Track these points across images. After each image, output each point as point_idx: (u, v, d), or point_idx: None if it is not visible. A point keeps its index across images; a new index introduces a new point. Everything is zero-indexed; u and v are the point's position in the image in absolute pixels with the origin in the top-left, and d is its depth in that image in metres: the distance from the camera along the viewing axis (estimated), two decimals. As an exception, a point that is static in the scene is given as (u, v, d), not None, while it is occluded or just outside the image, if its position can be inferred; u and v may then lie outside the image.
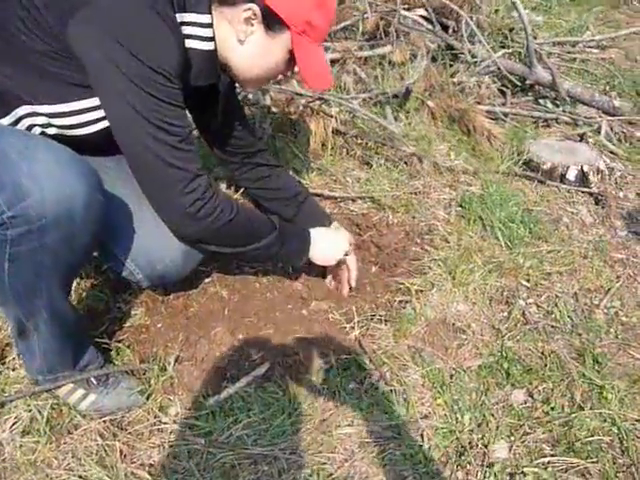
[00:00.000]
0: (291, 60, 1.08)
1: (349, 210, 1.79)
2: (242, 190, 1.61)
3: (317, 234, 1.33)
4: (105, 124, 1.01)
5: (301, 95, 2.07)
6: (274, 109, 2.10)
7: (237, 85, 1.34)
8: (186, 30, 0.99)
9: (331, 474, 1.08)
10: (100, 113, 1.00)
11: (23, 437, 1.12)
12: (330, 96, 2.08)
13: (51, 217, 0.85)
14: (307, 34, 1.04)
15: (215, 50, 1.05)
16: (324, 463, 1.09)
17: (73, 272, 1.07)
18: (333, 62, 2.37)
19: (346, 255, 1.40)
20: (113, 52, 0.88)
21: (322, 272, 1.51)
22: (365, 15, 2.44)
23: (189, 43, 1.01)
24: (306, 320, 1.39)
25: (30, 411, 1.15)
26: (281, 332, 1.35)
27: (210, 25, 1.01)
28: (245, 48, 1.05)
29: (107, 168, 1.18)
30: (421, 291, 1.50)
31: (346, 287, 1.45)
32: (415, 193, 1.91)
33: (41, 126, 1.01)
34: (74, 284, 1.40)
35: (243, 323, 1.36)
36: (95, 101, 0.98)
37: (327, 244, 1.36)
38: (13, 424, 1.14)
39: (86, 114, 1.00)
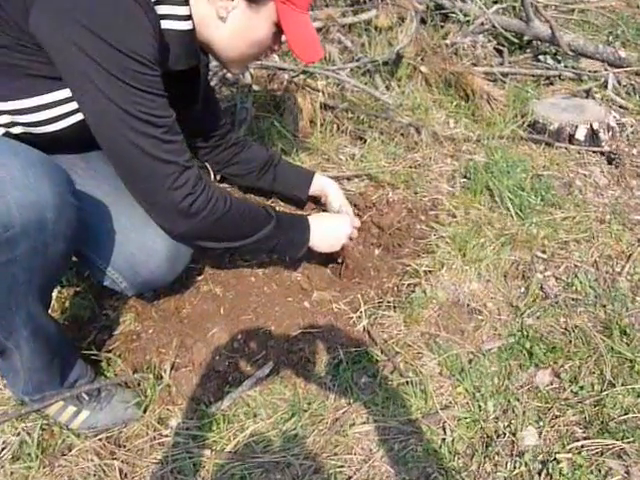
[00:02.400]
0: (277, 33, 1.07)
1: (345, 190, 1.76)
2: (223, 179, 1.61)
3: (316, 220, 1.33)
4: (77, 118, 0.99)
5: (284, 70, 2.04)
6: (256, 87, 2.06)
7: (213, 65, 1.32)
8: (161, 10, 0.95)
9: (350, 477, 1.06)
10: (71, 106, 0.97)
11: (13, 463, 1.09)
12: (315, 69, 2.05)
13: (19, 227, 0.82)
14: (292, 1, 1.02)
15: (194, 29, 1.02)
16: (341, 466, 1.08)
17: (50, 283, 1.03)
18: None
19: (350, 239, 1.40)
20: (76, 34, 0.84)
21: (322, 260, 1.49)
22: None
23: (165, 24, 0.97)
24: (309, 313, 1.38)
25: (19, 434, 1.13)
26: (283, 328, 1.34)
27: (186, 2, 0.98)
28: (227, 25, 1.02)
29: (79, 168, 1.14)
30: (430, 272, 1.49)
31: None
32: (415, 166, 1.89)
33: (4, 126, 0.98)
34: (54, 293, 1.37)
35: (241, 321, 1.35)
36: (65, 93, 0.95)
37: (328, 229, 1.35)
38: (1, 450, 1.12)
39: (55, 108, 0.97)
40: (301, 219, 1.32)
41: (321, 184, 1.56)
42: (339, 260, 1.48)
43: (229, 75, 2.04)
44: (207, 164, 1.52)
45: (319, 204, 1.63)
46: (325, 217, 1.41)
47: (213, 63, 1.66)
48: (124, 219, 1.13)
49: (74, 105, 0.96)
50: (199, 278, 1.47)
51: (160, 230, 1.08)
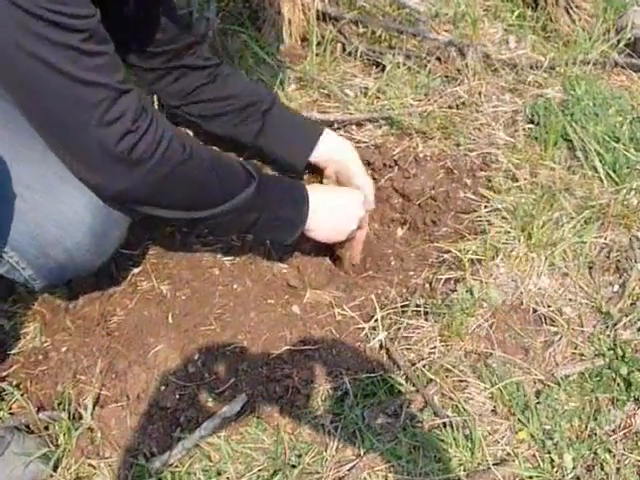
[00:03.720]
0: None
1: (353, 141, 1.75)
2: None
3: (317, 194, 1.35)
4: None
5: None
6: (222, -14, 2.06)
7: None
8: None
9: None
10: None
11: None
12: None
13: None
14: None
15: None
16: None
17: None
18: None
19: (359, 228, 1.42)
20: None
21: (318, 247, 1.50)
22: None
23: None
24: (299, 321, 1.39)
25: None
26: (261, 344, 1.35)
27: None
28: None
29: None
30: (479, 261, 1.49)
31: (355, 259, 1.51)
32: (457, 106, 1.88)
33: None
34: None
35: (199, 334, 1.35)
36: None
37: (333, 209, 1.37)
38: None
39: None
40: (297, 187, 1.34)
41: (332, 149, 1.56)
42: (340, 253, 1.49)
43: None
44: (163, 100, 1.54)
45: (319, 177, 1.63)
46: (330, 191, 1.44)
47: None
48: (26, 174, 1.11)
49: None
50: (137, 270, 1.47)
51: (83, 189, 1.08)
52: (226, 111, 1.52)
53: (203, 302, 1.41)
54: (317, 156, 1.56)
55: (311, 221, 1.33)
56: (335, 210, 1.38)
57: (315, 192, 1.34)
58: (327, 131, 1.57)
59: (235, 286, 1.44)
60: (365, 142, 1.76)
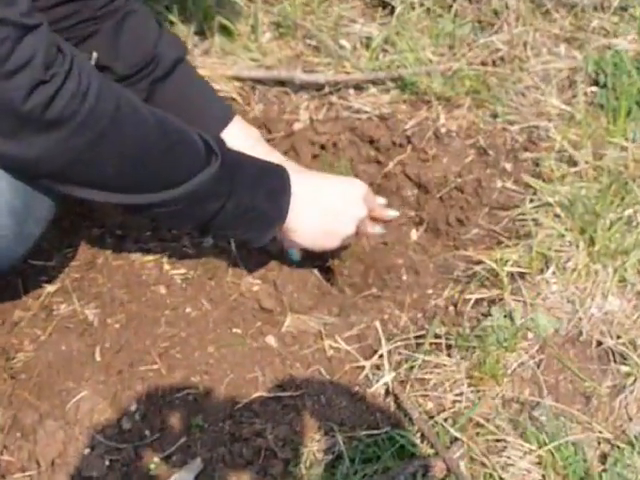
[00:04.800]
0: None
1: (350, 110, 1.77)
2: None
3: (304, 179, 1.38)
4: None
5: None
6: None
7: None
8: None
9: None
10: None
11: None
12: None
13: None
14: None
15: None
16: None
17: None
18: None
19: (358, 232, 1.43)
20: None
21: (304, 252, 1.50)
22: None
23: None
24: (276, 358, 1.40)
25: None
26: (223, 389, 1.35)
27: None
28: None
29: None
30: (522, 275, 1.48)
31: None
32: (493, 62, 1.88)
33: None
34: None
35: (137, 375, 1.36)
36: None
37: (323, 203, 1.39)
38: None
39: None
40: (275, 170, 1.37)
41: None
42: (332, 264, 1.50)
43: None
44: None
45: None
46: (321, 177, 1.48)
47: None
48: None
49: None
50: (52, 288, 1.47)
51: None
52: (105, 67, 1.51)
53: (143, 332, 1.41)
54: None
55: (293, 217, 1.34)
56: (327, 205, 1.39)
57: (300, 178, 1.36)
58: (238, 119, 1.60)
59: (188, 310, 1.45)
60: (367, 112, 1.77)
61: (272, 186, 1.33)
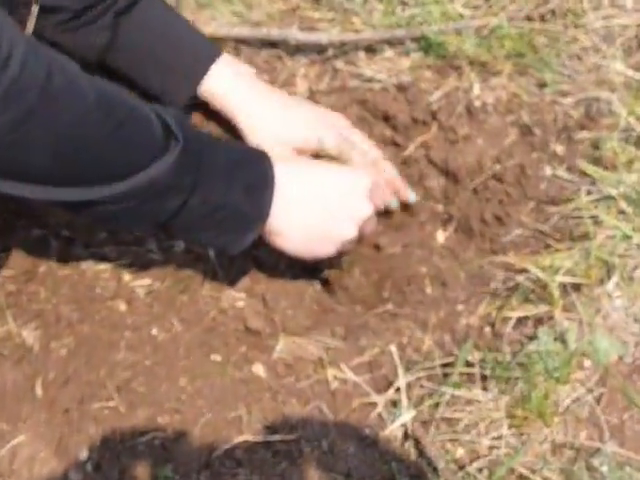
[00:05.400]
0: None
1: (361, 78, 1.75)
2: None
3: (291, 170, 1.39)
4: None
5: None
6: None
7: None
8: None
9: None
10: None
11: None
12: None
13: None
14: None
15: None
16: None
17: None
18: None
19: (361, 237, 1.46)
20: None
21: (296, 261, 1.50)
22: None
23: None
24: (265, 392, 1.40)
25: None
26: (198, 431, 1.35)
27: None
28: None
29: None
30: (577, 287, 1.45)
31: None
32: (542, 17, 1.84)
33: None
34: None
35: (89, 415, 1.36)
36: None
37: (315, 201, 1.40)
38: None
39: None
40: (255, 158, 1.36)
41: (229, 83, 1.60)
42: (330, 275, 1.54)
43: None
44: None
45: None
46: (312, 167, 1.48)
47: None
48: None
49: None
50: None
51: None
52: (55, 7, 1.54)
53: (97, 359, 1.42)
54: (207, 93, 1.63)
55: (277, 217, 1.33)
56: (320, 201, 1.38)
57: (288, 167, 1.35)
58: (226, 55, 1.64)
59: (154, 331, 1.46)
60: (380, 81, 1.75)
61: (251, 178, 1.31)
